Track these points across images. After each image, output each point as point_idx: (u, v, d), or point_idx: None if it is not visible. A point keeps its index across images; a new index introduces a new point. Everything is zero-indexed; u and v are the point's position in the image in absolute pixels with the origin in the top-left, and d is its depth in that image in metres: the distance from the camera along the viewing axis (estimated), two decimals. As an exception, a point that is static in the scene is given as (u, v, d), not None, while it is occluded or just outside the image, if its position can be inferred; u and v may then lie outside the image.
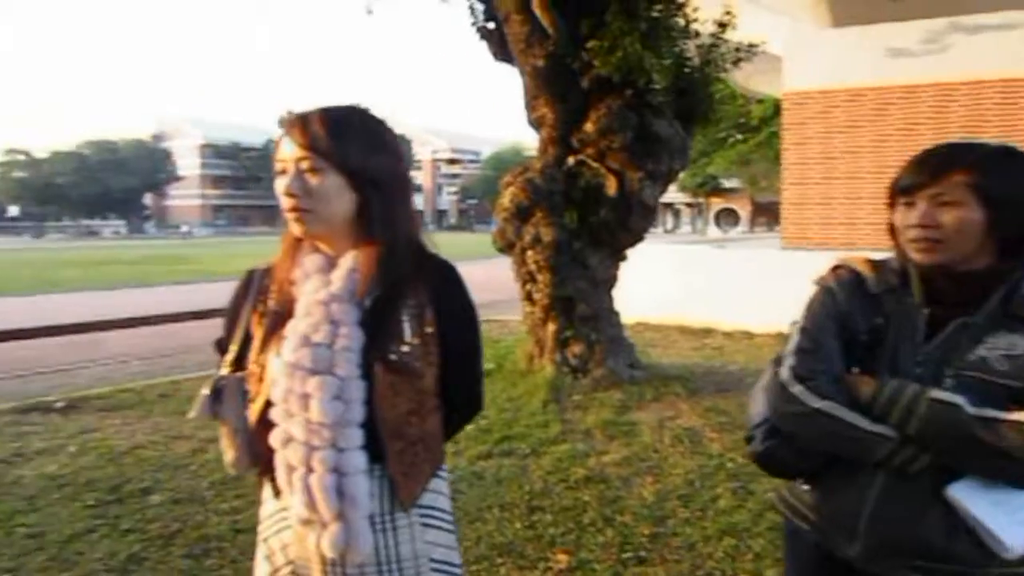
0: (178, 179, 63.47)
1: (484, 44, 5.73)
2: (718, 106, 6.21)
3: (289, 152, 1.15)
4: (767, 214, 37.25)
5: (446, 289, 1.23)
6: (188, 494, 3.33)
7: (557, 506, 3.14)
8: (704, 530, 2.87)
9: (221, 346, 1.31)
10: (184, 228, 57.30)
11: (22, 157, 57.97)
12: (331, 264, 1.19)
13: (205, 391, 1.27)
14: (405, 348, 1.15)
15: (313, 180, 1.13)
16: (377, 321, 1.16)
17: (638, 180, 5.18)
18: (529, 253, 5.20)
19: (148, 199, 65.04)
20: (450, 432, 1.30)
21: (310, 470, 1.11)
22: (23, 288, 14.30)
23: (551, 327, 5.23)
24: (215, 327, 1.35)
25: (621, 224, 5.25)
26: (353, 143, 1.15)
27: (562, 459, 3.71)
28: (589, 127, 5.17)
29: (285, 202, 1.15)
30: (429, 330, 1.18)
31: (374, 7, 6.76)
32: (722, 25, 5.42)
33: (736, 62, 5.61)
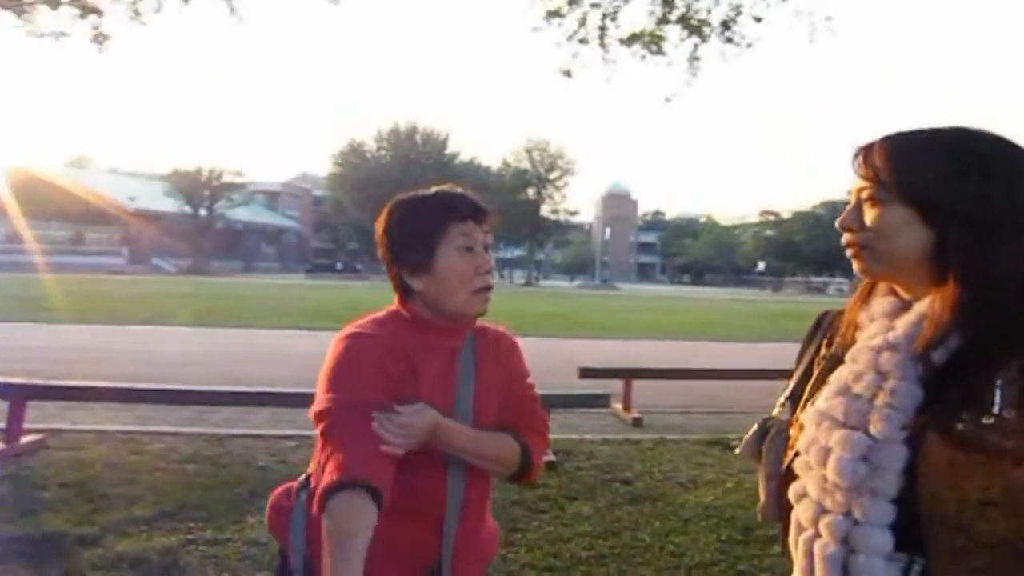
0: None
1: None
2: None
3: (854, 183, 1.08)
4: None
5: None
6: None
7: None
8: None
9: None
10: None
11: (771, 217, 69.30)
12: (903, 309, 1.06)
13: (753, 429, 1.26)
14: (988, 420, 0.92)
15: (871, 212, 1.03)
16: (948, 381, 0.95)
17: None
18: None
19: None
20: None
21: (818, 534, 1.00)
22: (755, 335, 17.09)
23: None
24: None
25: None
26: (925, 169, 1.00)
27: None
28: None
29: (843, 237, 1.09)
30: None
31: None
32: None
33: None
